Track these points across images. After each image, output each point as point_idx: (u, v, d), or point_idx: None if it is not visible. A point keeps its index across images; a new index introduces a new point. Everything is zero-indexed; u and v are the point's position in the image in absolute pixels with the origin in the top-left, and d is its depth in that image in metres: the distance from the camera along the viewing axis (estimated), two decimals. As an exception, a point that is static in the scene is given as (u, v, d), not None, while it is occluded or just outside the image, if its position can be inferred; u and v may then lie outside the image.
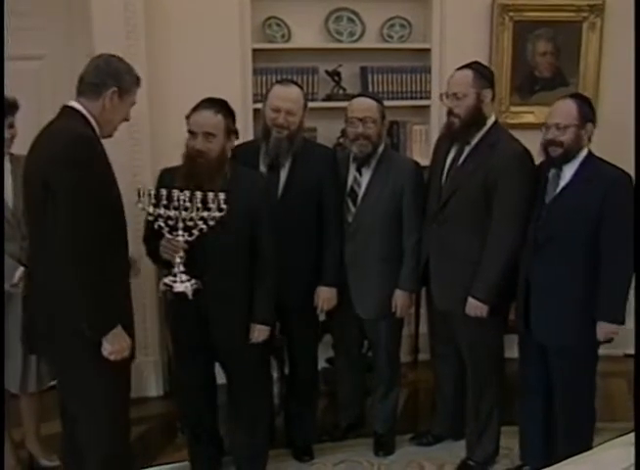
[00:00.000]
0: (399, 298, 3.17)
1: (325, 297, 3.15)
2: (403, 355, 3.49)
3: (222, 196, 2.50)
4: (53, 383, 2.86)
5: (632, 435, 1.83)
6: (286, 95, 3.02)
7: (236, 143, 2.91)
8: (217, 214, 2.51)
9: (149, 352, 3.88)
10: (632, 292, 2.81)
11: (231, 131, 2.81)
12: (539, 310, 2.85)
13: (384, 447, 3.38)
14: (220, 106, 2.78)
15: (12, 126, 2.92)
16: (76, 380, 2.43)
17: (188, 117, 2.78)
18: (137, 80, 2.50)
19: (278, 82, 3.19)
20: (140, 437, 3.49)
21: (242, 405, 3.05)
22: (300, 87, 3.16)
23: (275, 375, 3.44)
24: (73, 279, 2.27)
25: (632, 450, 1.66)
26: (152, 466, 3.26)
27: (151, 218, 2.56)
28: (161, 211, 2.50)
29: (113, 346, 2.36)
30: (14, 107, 2.91)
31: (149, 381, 3.92)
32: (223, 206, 2.51)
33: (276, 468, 3.22)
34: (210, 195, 2.49)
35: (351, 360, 3.45)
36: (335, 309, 3.21)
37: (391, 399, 3.38)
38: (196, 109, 2.78)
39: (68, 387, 2.49)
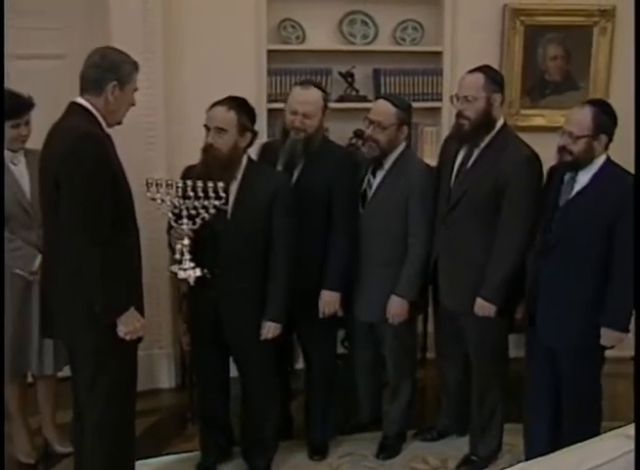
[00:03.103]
0: (392, 304, 3.15)
1: (327, 301, 3.14)
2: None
3: (221, 185, 2.58)
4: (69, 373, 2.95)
5: (630, 426, 1.89)
6: (304, 98, 3.06)
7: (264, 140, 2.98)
8: (217, 203, 2.59)
9: (162, 345, 3.96)
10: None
11: (245, 129, 2.88)
12: (546, 311, 2.87)
13: (386, 450, 3.38)
14: (236, 103, 2.87)
15: (27, 123, 3.03)
16: (87, 365, 2.53)
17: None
18: (135, 67, 2.58)
19: (298, 84, 3.21)
20: (151, 427, 3.57)
21: (252, 398, 3.13)
22: (321, 88, 3.17)
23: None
24: (87, 265, 2.38)
25: (623, 441, 1.72)
26: (162, 455, 3.34)
27: (158, 206, 2.65)
28: (166, 198, 2.60)
29: (127, 327, 2.47)
30: (29, 105, 3.01)
31: (161, 373, 4.00)
32: (222, 194, 2.59)
33: (283, 459, 3.29)
34: (210, 184, 2.58)
35: (366, 358, 3.43)
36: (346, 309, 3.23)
37: (400, 402, 3.36)
38: (213, 105, 2.88)
39: (79, 372, 2.60)
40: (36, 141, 3.00)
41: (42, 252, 2.72)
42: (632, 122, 3.70)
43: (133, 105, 2.61)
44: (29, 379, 3.30)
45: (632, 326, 2.91)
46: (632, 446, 1.72)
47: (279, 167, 3.11)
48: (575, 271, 2.78)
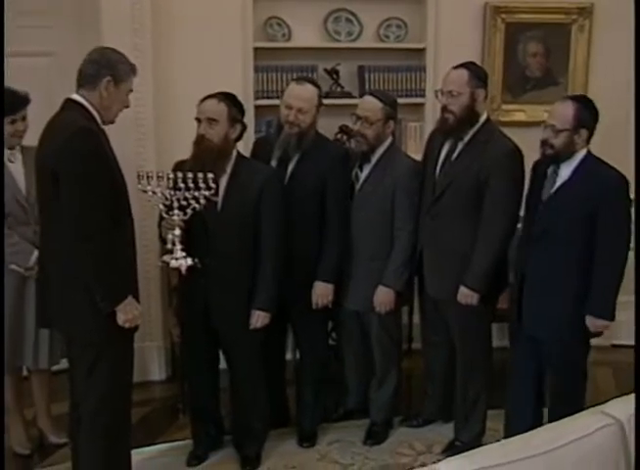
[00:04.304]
0: (379, 293, 3.22)
1: (320, 293, 3.20)
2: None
3: (211, 175, 2.64)
4: (64, 366, 3.01)
5: (607, 403, 1.98)
6: (298, 94, 3.12)
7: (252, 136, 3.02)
8: (207, 193, 2.65)
9: (153, 338, 4.01)
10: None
11: (235, 120, 2.96)
12: (531, 303, 2.93)
13: (373, 437, 3.45)
14: (226, 97, 2.94)
15: (24, 119, 3.08)
16: (85, 354, 2.59)
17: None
18: (132, 68, 2.63)
19: (294, 80, 3.27)
20: (144, 418, 3.63)
21: (240, 388, 3.19)
22: (317, 85, 3.23)
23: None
24: (85, 256, 2.44)
25: (599, 417, 1.81)
26: (154, 444, 3.40)
27: (149, 198, 2.71)
28: (157, 190, 2.66)
29: (126, 315, 2.53)
30: (25, 101, 3.06)
31: (152, 365, 4.05)
32: (212, 185, 2.65)
33: (274, 446, 3.35)
34: (200, 175, 2.64)
35: (354, 348, 3.50)
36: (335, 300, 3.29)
37: (386, 390, 3.44)
38: (204, 98, 2.96)
39: (77, 362, 2.65)
40: (29, 138, 3.06)
41: (39, 245, 2.75)
42: (609, 115, 3.80)
43: (127, 107, 2.66)
44: (25, 372, 3.35)
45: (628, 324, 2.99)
46: (608, 421, 1.81)
47: (274, 161, 3.17)
48: (559, 263, 2.85)
